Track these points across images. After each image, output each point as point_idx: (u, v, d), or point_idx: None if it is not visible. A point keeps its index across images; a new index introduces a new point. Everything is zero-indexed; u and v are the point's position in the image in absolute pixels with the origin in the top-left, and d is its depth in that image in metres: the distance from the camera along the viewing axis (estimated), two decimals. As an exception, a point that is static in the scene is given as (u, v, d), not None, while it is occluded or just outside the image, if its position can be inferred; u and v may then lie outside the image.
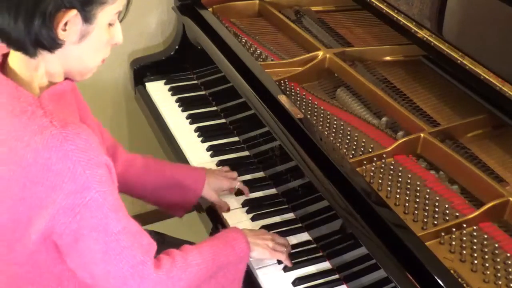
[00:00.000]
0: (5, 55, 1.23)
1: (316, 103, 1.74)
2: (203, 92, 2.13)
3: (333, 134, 1.63)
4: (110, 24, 1.21)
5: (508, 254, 1.31)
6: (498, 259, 1.30)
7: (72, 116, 1.23)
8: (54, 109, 1.17)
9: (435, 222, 1.37)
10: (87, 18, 1.15)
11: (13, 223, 1.18)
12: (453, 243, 1.33)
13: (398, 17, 1.76)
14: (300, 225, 1.59)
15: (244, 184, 1.71)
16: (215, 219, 1.66)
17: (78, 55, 1.20)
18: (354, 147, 1.58)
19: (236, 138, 1.91)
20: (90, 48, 1.20)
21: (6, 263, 1.25)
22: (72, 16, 1.12)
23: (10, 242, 1.21)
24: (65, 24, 1.13)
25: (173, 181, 1.62)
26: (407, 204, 1.42)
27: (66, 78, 1.26)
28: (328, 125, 1.66)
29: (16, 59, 1.20)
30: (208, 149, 1.87)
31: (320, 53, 1.87)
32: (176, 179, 1.62)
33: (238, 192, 1.70)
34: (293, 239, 1.55)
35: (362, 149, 1.56)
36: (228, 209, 1.64)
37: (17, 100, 1.16)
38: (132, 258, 1.20)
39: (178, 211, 1.69)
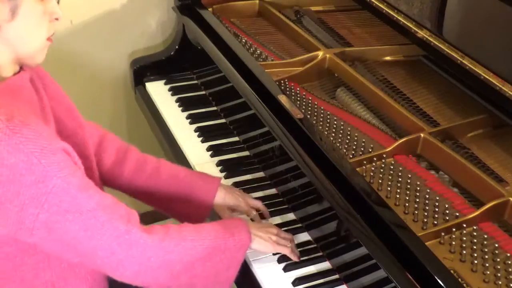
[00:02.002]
0: None
1: (316, 103, 1.74)
2: (203, 92, 2.13)
3: (333, 134, 1.63)
4: None
5: (508, 254, 1.31)
6: (498, 259, 1.30)
7: (29, 112, 1.19)
8: (1, 104, 1.14)
9: (435, 222, 1.37)
10: None
11: None
12: (453, 243, 1.33)
13: (398, 17, 1.76)
14: (300, 225, 1.59)
15: (244, 184, 1.72)
16: (215, 219, 1.65)
17: (17, 33, 1.18)
18: (354, 147, 1.58)
19: (236, 138, 1.91)
20: (27, 24, 1.18)
21: None
22: None
23: None
24: None
25: (183, 190, 1.56)
26: (407, 204, 1.42)
27: (21, 70, 1.24)
28: (328, 125, 1.66)
29: None
30: (208, 149, 1.87)
31: (320, 53, 1.87)
32: (187, 189, 1.56)
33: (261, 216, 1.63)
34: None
35: (362, 149, 1.56)
36: None
37: None
38: (114, 229, 1.20)
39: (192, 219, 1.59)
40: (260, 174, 1.77)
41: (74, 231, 1.17)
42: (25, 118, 1.13)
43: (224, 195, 1.58)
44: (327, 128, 1.65)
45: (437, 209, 1.39)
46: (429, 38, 1.66)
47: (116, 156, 1.56)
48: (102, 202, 1.20)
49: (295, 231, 1.57)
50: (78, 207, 1.16)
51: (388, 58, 1.93)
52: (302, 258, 1.49)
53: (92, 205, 1.18)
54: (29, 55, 1.23)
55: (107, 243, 1.20)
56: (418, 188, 1.45)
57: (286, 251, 1.45)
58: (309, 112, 1.70)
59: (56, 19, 1.24)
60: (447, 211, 1.39)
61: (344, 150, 1.57)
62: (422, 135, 1.55)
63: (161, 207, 1.62)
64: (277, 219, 1.62)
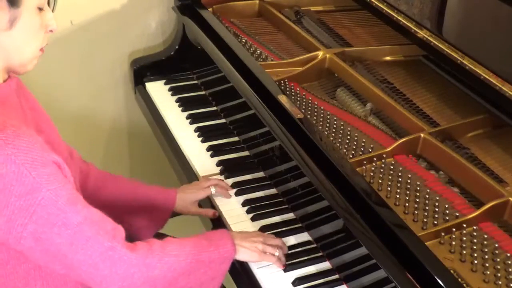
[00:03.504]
0: None
1: (316, 103, 1.74)
2: (203, 92, 2.13)
3: (333, 134, 1.63)
4: (40, 9, 1.21)
5: (508, 254, 1.31)
6: (498, 259, 1.30)
7: (16, 119, 1.20)
8: None
9: (435, 222, 1.37)
10: (13, 2, 1.15)
11: None
12: (453, 243, 1.33)
13: (398, 17, 1.76)
14: (300, 225, 1.59)
15: (244, 184, 1.72)
16: (215, 219, 1.66)
17: (12, 43, 1.19)
18: (354, 147, 1.58)
19: (236, 138, 1.91)
20: (23, 35, 1.20)
21: None
22: None
23: None
24: None
25: (144, 198, 1.62)
26: (407, 204, 1.42)
27: (8, 77, 1.25)
28: (328, 125, 1.66)
29: None
30: (208, 149, 1.87)
31: (320, 53, 1.87)
32: (147, 197, 1.62)
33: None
34: (293, 239, 1.55)
35: (362, 149, 1.56)
36: (214, 214, 1.64)
37: None
38: (99, 245, 1.20)
39: (147, 230, 1.65)
40: (260, 174, 1.77)
41: (59, 244, 1.18)
42: (18, 128, 1.14)
43: (182, 197, 1.64)
44: (327, 128, 1.65)
45: (437, 209, 1.39)
46: (429, 38, 1.66)
47: (80, 174, 1.56)
48: (89, 217, 1.21)
49: (295, 231, 1.57)
50: (65, 220, 1.17)
51: (388, 58, 1.93)
52: (302, 258, 1.49)
53: (79, 219, 1.18)
54: (21, 63, 1.25)
55: (91, 258, 1.20)
56: (418, 188, 1.45)
57: (272, 260, 1.44)
58: (309, 112, 1.70)
59: (51, 31, 1.26)
60: (447, 211, 1.39)
61: (344, 150, 1.57)
62: (422, 135, 1.55)
63: (122, 221, 1.63)
64: (277, 219, 1.62)
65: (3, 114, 1.17)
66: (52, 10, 1.26)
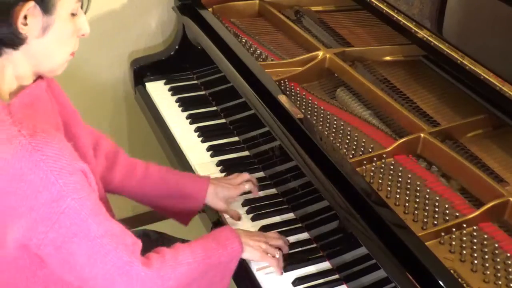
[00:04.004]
0: None
1: (316, 103, 1.74)
2: (203, 92, 2.13)
3: (333, 134, 1.63)
4: (73, 14, 1.20)
5: (508, 254, 1.31)
6: (498, 259, 1.30)
7: (46, 122, 1.20)
8: (24, 116, 1.14)
9: (435, 222, 1.37)
10: (46, 9, 1.14)
11: None
12: (453, 243, 1.33)
13: (398, 17, 1.76)
14: (300, 225, 1.59)
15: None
16: (215, 219, 1.66)
17: (44, 49, 1.18)
18: (354, 147, 1.58)
19: (236, 138, 1.91)
20: (55, 41, 1.19)
21: None
22: (31, 8, 1.11)
23: None
24: (25, 17, 1.12)
25: (174, 189, 1.59)
26: (407, 204, 1.42)
27: (37, 78, 1.24)
28: (328, 125, 1.66)
29: None
30: (208, 149, 1.87)
31: (320, 53, 1.87)
32: (178, 188, 1.59)
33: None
34: (293, 239, 1.55)
35: (362, 149, 1.56)
36: (239, 218, 1.61)
37: None
38: (118, 259, 1.19)
39: (182, 219, 1.66)
40: (260, 174, 1.77)
41: (78, 255, 1.17)
42: (48, 134, 1.13)
43: (214, 190, 1.60)
44: (327, 128, 1.65)
45: (437, 209, 1.39)
46: (429, 38, 1.66)
47: (106, 162, 1.56)
48: (110, 230, 1.20)
49: (295, 231, 1.57)
50: (87, 232, 1.16)
51: (388, 58, 1.93)
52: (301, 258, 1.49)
53: (100, 232, 1.17)
54: (51, 69, 1.24)
55: (109, 273, 1.20)
56: (418, 188, 1.45)
57: (272, 263, 1.44)
58: (309, 112, 1.70)
59: (83, 35, 1.25)
60: (447, 211, 1.39)
61: (344, 150, 1.57)
62: (422, 135, 1.55)
63: (156, 207, 1.65)
64: (277, 219, 1.62)
65: (33, 117, 1.17)
66: (85, 12, 1.25)
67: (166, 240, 1.64)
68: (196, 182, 1.62)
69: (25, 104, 1.18)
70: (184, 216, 1.65)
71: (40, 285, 1.26)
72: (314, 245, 1.53)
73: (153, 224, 2.38)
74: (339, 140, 1.61)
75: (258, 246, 1.42)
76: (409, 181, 1.47)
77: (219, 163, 1.81)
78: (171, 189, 1.59)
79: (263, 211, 1.63)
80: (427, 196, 1.43)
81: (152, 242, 1.63)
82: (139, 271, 1.22)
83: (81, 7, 1.24)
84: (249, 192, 1.66)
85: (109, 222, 1.21)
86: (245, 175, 1.67)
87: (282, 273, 1.45)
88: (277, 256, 1.44)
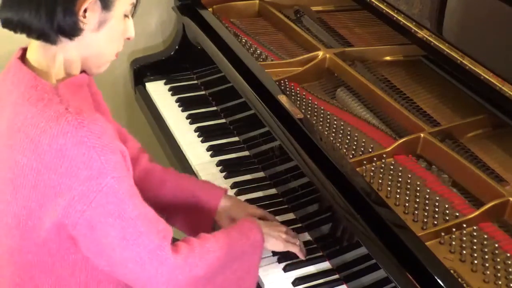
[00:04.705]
0: (25, 49, 1.27)
1: (316, 103, 1.74)
2: (203, 92, 2.13)
3: (333, 134, 1.63)
4: (125, 16, 1.27)
5: (508, 254, 1.31)
6: (498, 259, 1.30)
7: (87, 107, 1.25)
8: (70, 98, 1.19)
9: (435, 222, 1.37)
10: (106, 5, 1.20)
11: (27, 210, 1.19)
12: (453, 243, 1.33)
13: (398, 17, 1.76)
14: (300, 225, 1.59)
15: (244, 184, 1.72)
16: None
17: (96, 43, 1.24)
18: (354, 147, 1.58)
19: (236, 138, 1.91)
20: (107, 37, 1.25)
21: (19, 252, 1.25)
22: (92, 2, 1.17)
23: (24, 231, 1.21)
24: (85, 11, 1.18)
25: (188, 192, 1.57)
26: (407, 204, 1.42)
27: (82, 72, 1.29)
28: (328, 125, 1.66)
29: (34, 51, 1.24)
30: (208, 149, 1.87)
31: (320, 53, 1.87)
32: (191, 191, 1.57)
33: None
34: (293, 239, 1.55)
35: (362, 149, 1.56)
36: None
37: (35, 89, 1.19)
38: (150, 242, 1.20)
39: (193, 231, 1.57)
40: (260, 174, 1.77)
41: (111, 237, 1.18)
42: (94, 114, 1.18)
43: (229, 207, 1.56)
44: (327, 128, 1.65)
45: (437, 209, 1.39)
46: (429, 38, 1.66)
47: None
48: (144, 213, 1.21)
49: (295, 231, 1.56)
50: (122, 212, 1.17)
51: (388, 58, 1.93)
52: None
53: (135, 213, 1.19)
54: (97, 64, 1.30)
55: (139, 256, 1.20)
56: (418, 188, 1.45)
57: (295, 250, 1.46)
58: (309, 112, 1.70)
59: (128, 38, 1.32)
60: (447, 211, 1.39)
61: (344, 150, 1.57)
62: (422, 135, 1.55)
63: (166, 216, 1.61)
64: (277, 219, 1.61)
65: (79, 100, 1.21)
66: (132, 16, 1.32)
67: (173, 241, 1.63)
68: (210, 192, 1.57)
69: (70, 89, 1.22)
70: (195, 227, 1.58)
71: (67, 270, 1.27)
72: (314, 245, 1.54)
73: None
74: (339, 140, 1.61)
75: (279, 236, 1.44)
76: (409, 181, 1.47)
77: (219, 163, 1.81)
78: (184, 199, 1.57)
79: (263, 211, 1.63)
80: (427, 196, 1.43)
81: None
82: (169, 256, 1.23)
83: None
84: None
85: (143, 206, 1.23)
86: (260, 211, 1.57)
87: (305, 257, 1.47)
88: (298, 243, 1.47)
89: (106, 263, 1.23)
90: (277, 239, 1.44)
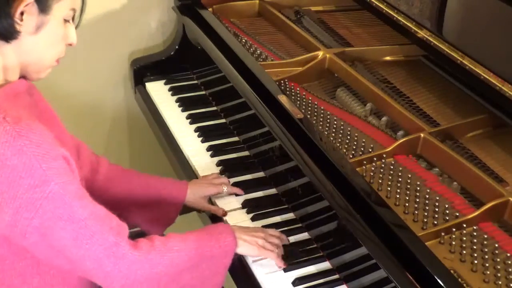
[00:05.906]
0: None
1: (316, 103, 1.74)
2: (203, 92, 2.13)
3: (333, 134, 1.63)
4: (65, 20, 1.25)
5: (508, 254, 1.31)
6: (498, 259, 1.30)
7: (29, 115, 1.22)
8: (8, 106, 1.17)
9: (435, 222, 1.37)
10: (43, 9, 1.19)
11: None
12: (453, 243, 1.33)
13: (398, 17, 1.76)
14: (300, 225, 1.59)
15: (244, 184, 1.71)
16: (215, 219, 1.66)
17: (35, 47, 1.23)
18: (354, 147, 1.58)
19: (236, 138, 1.91)
20: (46, 41, 1.24)
21: None
22: (29, 5, 1.16)
23: None
24: (21, 13, 1.17)
25: (155, 190, 1.61)
26: (407, 204, 1.42)
27: (21, 78, 1.27)
28: (328, 125, 1.66)
29: None
30: (208, 149, 1.87)
31: (320, 53, 1.87)
32: (158, 189, 1.61)
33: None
34: (293, 239, 1.55)
35: (362, 149, 1.56)
36: (224, 213, 1.63)
37: None
38: (104, 241, 1.21)
39: (158, 225, 1.65)
40: (260, 174, 1.77)
41: (64, 239, 1.18)
42: (32, 122, 1.16)
43: (192, 191, 1.63)
44: (327, 128, 1.65)
45: (437, 209, 1.39)
46: (429, 38, 1.66)
47: (91, 165, 1.57)
48: (95, 212, 1.21)
49: (295, 231, 1.57)
50: (71, 215, 1.17)
51: (388, 58, 1.93)
52: (302, 258, 1.49)
53: (85, 214, 1.19)
54: (37, 69, 1.28)
55: (95, 254, 1.21)
56: (418, 188, 1.45)
57: (271, 256, 1.44)
58: (309, 112, 1.70)
59: (70, 44, 1.30)
60: (447, 211, 1.39)
61: (344, 150, 1.57)
62: (422, 135, 1.55)
63: (132, 215, 1.62)
64: (277, 219, 1.62)
65: (17, 108, 1.19)
66: (76, 27, 1.30)
67: None
68: (175, 183, 1.65)
69: (7, 97, 1.21)
70: (161, 223, 1.64)
71: (18, 277, 1.27)
72: (314, 245, 1.53)
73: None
74: (339, 140, 1.61)
75: (254, 241, 1.42)
76: (409, 181, 1.47)
77: (219, 163, 1.81)
78: (152, 190, 1.61)
79: (263, 211, 1.63)
80: (427, 196, 1.43)
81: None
82: (125, 252, 1.23)
83: (73, 19, 1.29)
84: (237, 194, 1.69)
85: (93, 205, 1.23)
86: (224, 178, 1.70)
87: (285, 265, 1.45)
88: (276, 251, 1.44)
89: (65, 262, 1.24)
90: (251, 244, 1.41)
